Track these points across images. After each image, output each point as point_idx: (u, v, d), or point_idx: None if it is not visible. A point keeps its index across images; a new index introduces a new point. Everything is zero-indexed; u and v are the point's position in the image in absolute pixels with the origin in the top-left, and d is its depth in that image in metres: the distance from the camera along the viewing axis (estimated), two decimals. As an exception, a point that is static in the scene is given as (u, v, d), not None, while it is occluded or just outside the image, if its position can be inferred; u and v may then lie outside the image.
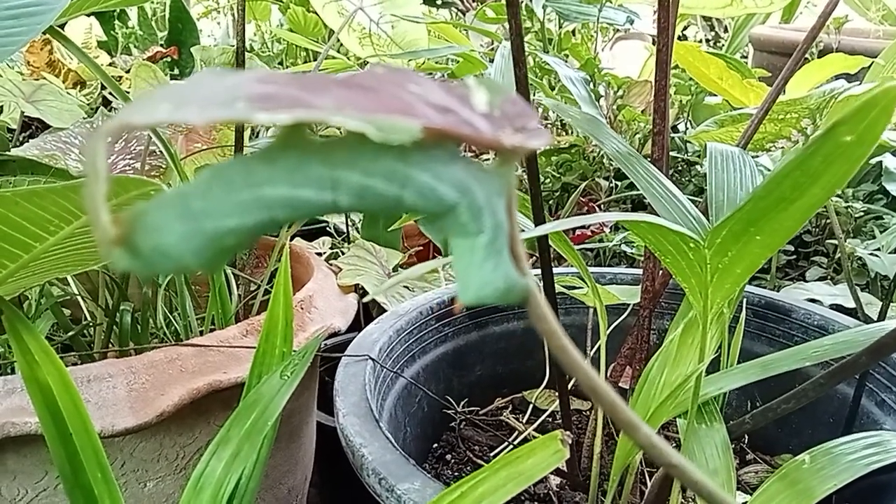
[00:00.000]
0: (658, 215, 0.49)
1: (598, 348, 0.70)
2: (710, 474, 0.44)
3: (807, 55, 1.39)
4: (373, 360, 0.59)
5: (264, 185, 0.13)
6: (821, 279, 1.04)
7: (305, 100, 0.13)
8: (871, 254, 0.96)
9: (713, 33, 2.31)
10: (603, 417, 0.54)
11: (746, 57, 2.01)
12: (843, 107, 0.67)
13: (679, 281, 0.40)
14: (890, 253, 0.98)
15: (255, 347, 0.58)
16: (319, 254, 1.08)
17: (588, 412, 0.75)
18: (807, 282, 1.00)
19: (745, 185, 0.53)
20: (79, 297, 0.75)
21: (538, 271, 0.51)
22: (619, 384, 0.66)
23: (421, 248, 1.06)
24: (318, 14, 1.69)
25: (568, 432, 0.35)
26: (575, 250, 0.48)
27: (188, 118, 0.12)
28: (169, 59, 1.60)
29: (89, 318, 0.75)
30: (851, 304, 0.77)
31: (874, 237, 1.03)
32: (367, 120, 0.12)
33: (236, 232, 0.13)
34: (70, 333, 0.69)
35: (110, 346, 0.74)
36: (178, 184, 0.71)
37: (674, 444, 0.69)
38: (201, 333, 0.68)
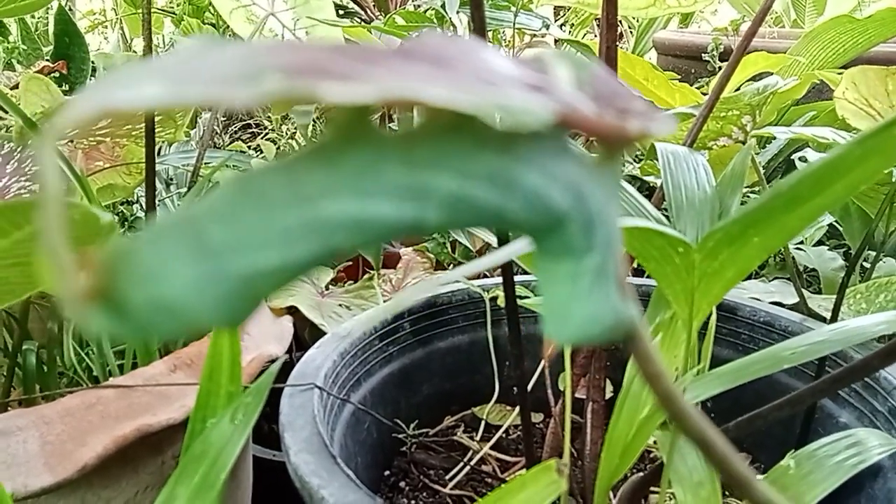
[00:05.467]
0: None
1: (546, 359, 0.68)
2: (695, 487, 0.42)
3: (707, 57, 1.43)
4: (319, 388, 0.54)
5: (321, 198, 0.09)
6: (747, 277, 1.05)
7: (372, 72, 0.09)
8: (795, 247, 0.99)
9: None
10: (570, 434, 0.51)
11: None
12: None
13: (662, 287, 0.37)
14: (813, 246, 1.00)
15: (186, 384, 0.52)
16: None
17: (541, 425, 0.72)
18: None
19: (701, 183, 0.52)
20: (-28, 339, 0.66)
21: (499, 280, 0.47)
22: (576, 395, 0.64)
23: (350, 262, 1.01)
24: (214, 26, 1.61)
25: (564, 461, 0.32)
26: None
27: (201, 97, 0.08)
28: (57, 73, 1.48)
29: (-15, 362, 0.66)
30: (789, 301, 0.78)
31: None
32: (486, 99, 0.08)
33: (276, 272, 0.09)
34: (-36, 381, 0.61)
35: (12, 391, 0.66)
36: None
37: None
38: (122, 372, 0.62)
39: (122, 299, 0.09)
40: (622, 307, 0.12)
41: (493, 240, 0.48)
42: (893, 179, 0.57)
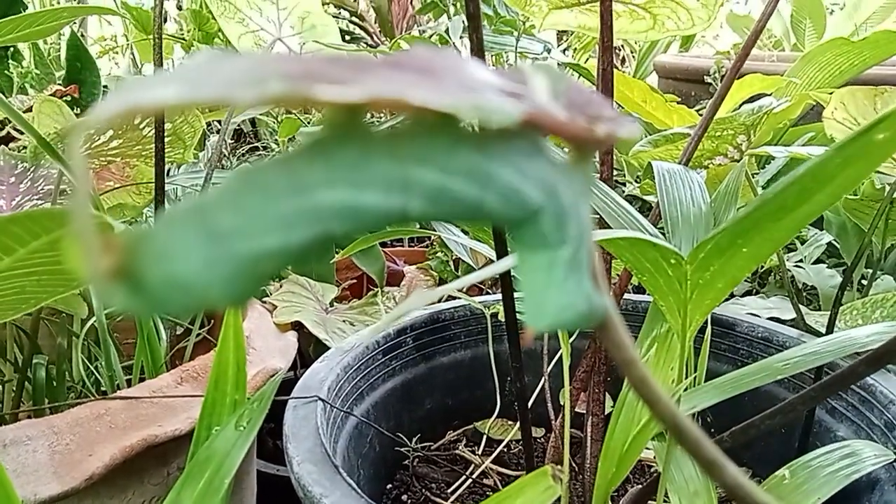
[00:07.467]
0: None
1: (546, 374, 0.68)
2: (691, 497, 0.43)
3: (709, 80, 1.45)
4: (323, 400, 0.55)
5: (316, 188, 0.10)
6: (747, 294, 1.06)
7: (363, 78, 0.10)
8: (795, 265, 0.99)
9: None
10: (570, 445, 0.52)
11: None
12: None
13: (656, 299, 0.38)
14: (812, 264, 1.01)
15: (192, 396, 0.53)
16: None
17: (542, 439, 0.73)
18: (734, 296, 1.03)
19: (696, 200, 0.53)
20: (-17, 353, 0.68)
21: (499, 296, 0.48)
22: (576, 409, 0.64)
23: (354, 280, 1.02)
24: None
25: (559, 467, 0.33)
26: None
27: (214, 96, 0.09)
28: (69, 97, 1.51)
29: (-5, 376, 0.68)
30: (787, 316, 0.79)
31: (793, 250, 1.07)
32: (464, 101, 0.09)
33: (277, 254, 0.10)
34: (-25, 394, 0.62)
35: (21, 405, 0.67)
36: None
37: (640, 469, 0.68)
38: (129, 384, 0.63)
39: (140, 277, 0.10)
40: (595, 296, 0.13)
41: (494, 255, 0.49)
42: (885, 195, 0.58)
